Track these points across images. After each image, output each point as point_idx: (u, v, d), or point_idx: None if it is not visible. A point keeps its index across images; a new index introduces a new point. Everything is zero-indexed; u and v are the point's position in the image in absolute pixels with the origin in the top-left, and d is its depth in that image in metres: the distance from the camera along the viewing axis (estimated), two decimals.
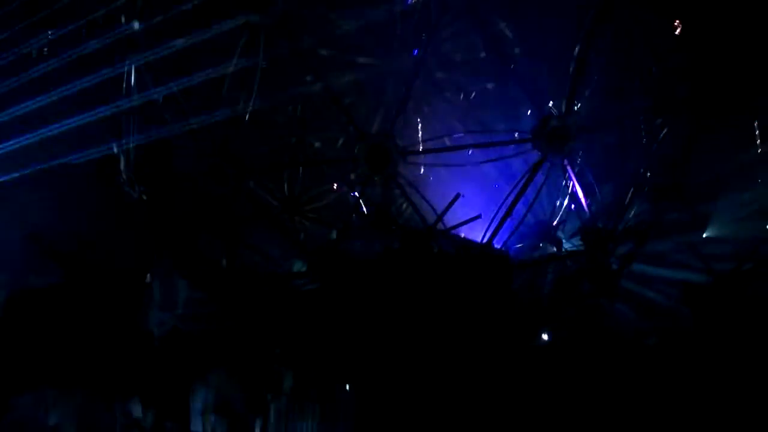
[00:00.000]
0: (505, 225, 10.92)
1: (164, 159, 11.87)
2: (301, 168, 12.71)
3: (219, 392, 8.84)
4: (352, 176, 12.37)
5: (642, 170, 11.19)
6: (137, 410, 8.97)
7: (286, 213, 12.42)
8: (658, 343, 9.64)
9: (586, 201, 11.14)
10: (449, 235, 10.80)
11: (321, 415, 8.46)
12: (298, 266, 12.39)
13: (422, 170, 12.33)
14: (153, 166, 11.78)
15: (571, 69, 10.72)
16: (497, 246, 11.15)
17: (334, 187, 12.98)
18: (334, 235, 12.14)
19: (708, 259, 9.98)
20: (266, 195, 12.41)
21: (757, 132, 12.01)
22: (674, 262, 11.28)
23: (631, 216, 11.18)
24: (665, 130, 11.18)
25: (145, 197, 11.68)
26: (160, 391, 9.16)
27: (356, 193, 11.94)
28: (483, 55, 12.19)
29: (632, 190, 11.12)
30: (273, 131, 12.92)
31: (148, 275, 12.23)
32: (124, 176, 11.69)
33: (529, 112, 11.47)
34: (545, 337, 10.83)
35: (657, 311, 11.75)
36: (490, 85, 12.56)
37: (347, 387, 8.74)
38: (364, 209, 11.78)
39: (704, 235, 11.95)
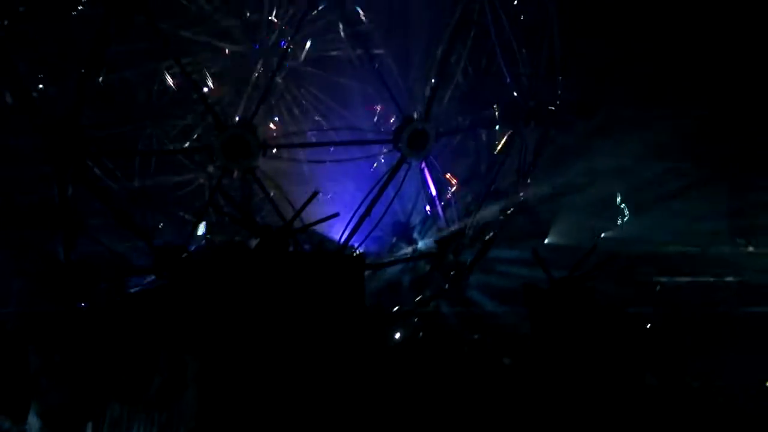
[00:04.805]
0: (364, 224, 10.99)
1: None
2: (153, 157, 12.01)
3: (47, 399, 8.11)
4: (209, 168, 11.89)
5: (491, 176, 11.69)
6: None
7: (135, 204, 11.68)
8: (494, 342, 10.09)
9: (440, 204, 11.50)
10: (307, 233, 10.68)
11: (159, 421, 8.02)
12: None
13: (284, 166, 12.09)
14: None
15: (433, 72, 10.98)
16: (355, 245, 11.21)
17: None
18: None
19: (548, 264, 10.62)
20: (113, 183, 11.59)
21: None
22: (517, 267, 11.93)
23: (478, 221, 11.65)
24: (514, 139, 11.75)
25: None
26: None
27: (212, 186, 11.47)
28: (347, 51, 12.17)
29: (483, 194, 11.60)
30: (125, 116, 12.09)
31: None
32: None
33: (393, 118, 11.63)
34: (398, 336, 11.08)
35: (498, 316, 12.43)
36: (354, 83, 12.57)
37: (189, 391, 8.37)
38: (221, 203, 11.37)
39: (546, 242, 12.83)
